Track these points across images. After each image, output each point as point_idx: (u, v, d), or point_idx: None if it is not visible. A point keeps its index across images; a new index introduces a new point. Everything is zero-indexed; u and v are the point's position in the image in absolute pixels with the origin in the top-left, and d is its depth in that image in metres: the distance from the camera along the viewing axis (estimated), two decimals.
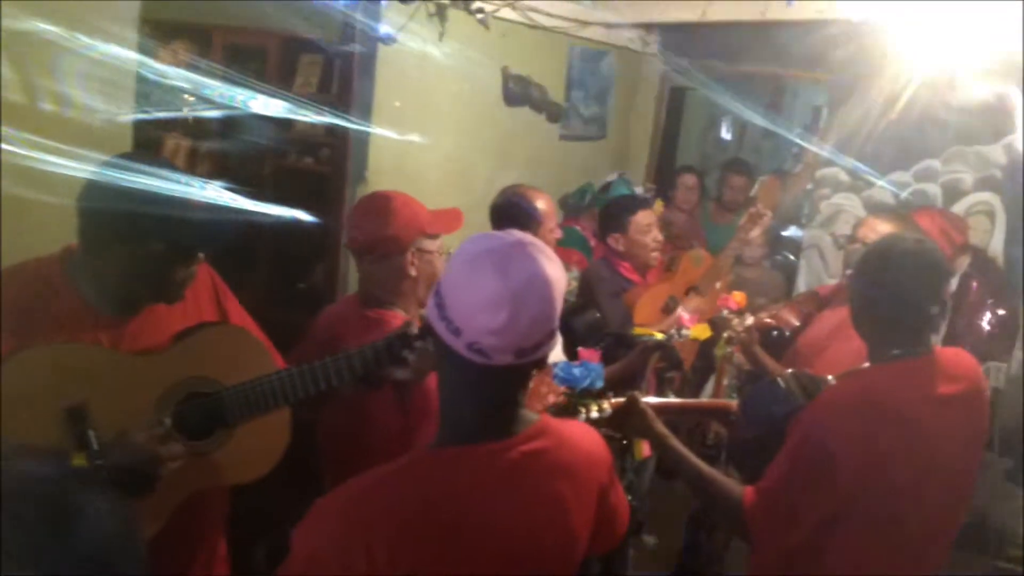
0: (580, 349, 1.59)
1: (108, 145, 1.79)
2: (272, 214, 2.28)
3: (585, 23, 3.74)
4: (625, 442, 1.91)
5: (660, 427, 1.57)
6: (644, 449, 1.88)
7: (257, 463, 1.44)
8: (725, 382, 2.56)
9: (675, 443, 1.56)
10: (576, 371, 1.47)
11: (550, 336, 1.01)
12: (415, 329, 1.39)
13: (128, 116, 1.86)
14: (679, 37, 4.31)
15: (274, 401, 1.40)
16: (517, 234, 1.02)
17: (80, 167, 1.46)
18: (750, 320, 2.36)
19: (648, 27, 4.25)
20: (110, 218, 1.29)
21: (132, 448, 1.24)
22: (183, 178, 1.32)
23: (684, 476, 1.57)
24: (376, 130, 2.74)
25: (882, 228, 2.27)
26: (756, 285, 3.43)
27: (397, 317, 1.67)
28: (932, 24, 3.14)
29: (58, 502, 0.65)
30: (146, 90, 1.97)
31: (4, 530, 0.61)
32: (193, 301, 1.48)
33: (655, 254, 2.73)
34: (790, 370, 1.71)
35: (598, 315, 2.22)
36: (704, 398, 2.98)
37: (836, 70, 3.77)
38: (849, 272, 2.27)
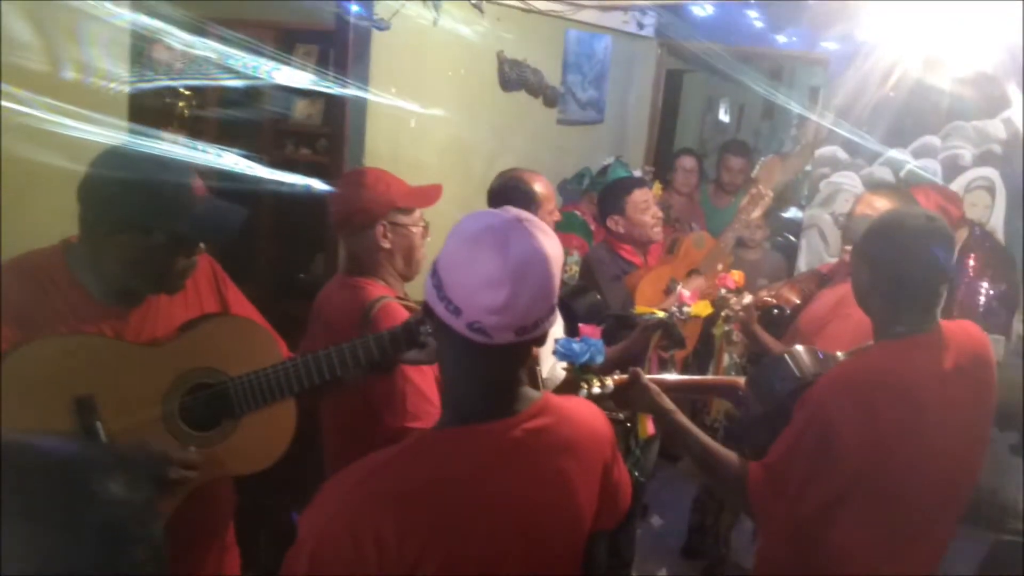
0: (581, 325, 1.60)
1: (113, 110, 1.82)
2: (278, 191, 2.29)
3: (580, 6, 3.72)
4: (629, 424, 1.92)
5: (665, 402, 1.57)
6: (648, 428, 1.89)
7: (263, 453, 1.45)
8: (725, 362, 2.57)
9: (680, 418, 1.56)
10: (576, 346, 1.48)
11: (550, 312, 1.01)
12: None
13: (147, 84, 1.87)
14: (674, 18, 4.29)
15: (280, 391, 1.41)
16: (513, 211, 1.01)
17: (99, 132, 1.47)
18: (748, 299, 2.36)
19: (644, 9, 4.23)
20: (111, 209, 1.30)
21: (146, 462, 1.24)
22: (196, 144, 1.32)
23: (689, 450, 1.57)
24: (379, 97, 2.74)
25: (880, 204, 2.26)
26: (757, 267, 3.44)
27: (372, 284, 1.72)
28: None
29: (77, 477, 0.65)
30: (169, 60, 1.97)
31: (21, 506, 0.62)
32: (194, 290, 1.48)
33: (656, 230, 2.72)
34: (799, 346, 1.71)
35: (598, 297, 2.22)
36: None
37: (833, 48, 3.76)
38: (849, 248, 2.26)
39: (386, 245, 1.74)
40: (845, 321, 2.09)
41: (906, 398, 1.48)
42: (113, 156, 1.35)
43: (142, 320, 1.39)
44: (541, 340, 1.03)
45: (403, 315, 1.65)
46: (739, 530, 3.12)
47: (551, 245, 0.99)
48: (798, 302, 2.59)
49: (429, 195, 1.79)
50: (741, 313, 2.32)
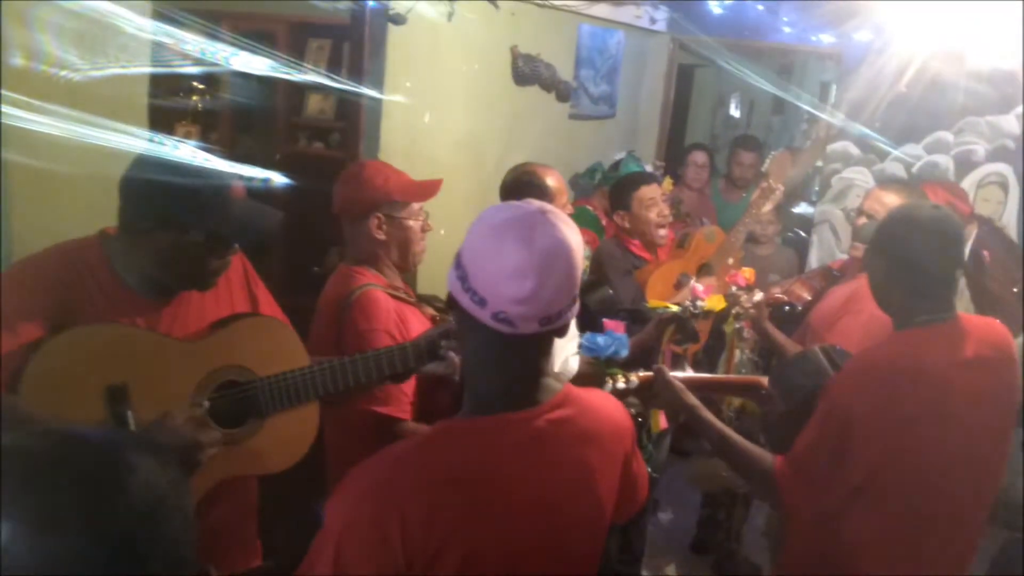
0: (605, 320, 1.61)
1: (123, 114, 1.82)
2: (292, 185, 2.30)
3: (593, 1, 3.72)
4: (640, 419, 1.94)
5: (690, 398, 1.59)
6: (660, 422, 1.91)
7: (285, 453, 1.47)
8: (736, 358, 2.57)
9: (706, 414, 1.58)
10: (601, 340, 1.49)
11: (572, 303, 1.02)
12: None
13: (104, 72, 1.85)
14: (687, 14, 4.29)
15: (305, 394, 1.43)
16: (536, 203, 1.02)
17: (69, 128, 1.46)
18: (759, 296, 2.36)
19: (656, 4, 4.23)
20: (150, 205, 1.31)
21: (171, 430, 1.26)
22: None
23: (715, 446, 1.59)
24: (391, 97, 2.76)
25: (888, 199, 2.27)
26: (768, 262, 3.43)
27: (363, 273, 1.76)
28: None
29: (110, 461, 0.67)
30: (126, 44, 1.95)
31: (55, 492, 0.64)
32: (226, 288, 1.50)
33: (661, 231, 2.71)
34: (820, 345, 1.72)
35: (610, 292, 2.24)
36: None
37: (846, 44, 3.75)
38: (859, 246, 2.26)
39: (381, 236, 1.77)
40: (856, 317, 2.10)
41: (924, 383, 1.49)
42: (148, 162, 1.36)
43: (174, 314, 1.41)
44: (563, 330, 1.05)
45: (385, 302, 1.69)
46: (750, 526, 3.14)
47: (574, 236, 1.01)
48: (809, 298, 2.60)
49: (426, 190, 1.82)
50: (752, 310, 2.33)
